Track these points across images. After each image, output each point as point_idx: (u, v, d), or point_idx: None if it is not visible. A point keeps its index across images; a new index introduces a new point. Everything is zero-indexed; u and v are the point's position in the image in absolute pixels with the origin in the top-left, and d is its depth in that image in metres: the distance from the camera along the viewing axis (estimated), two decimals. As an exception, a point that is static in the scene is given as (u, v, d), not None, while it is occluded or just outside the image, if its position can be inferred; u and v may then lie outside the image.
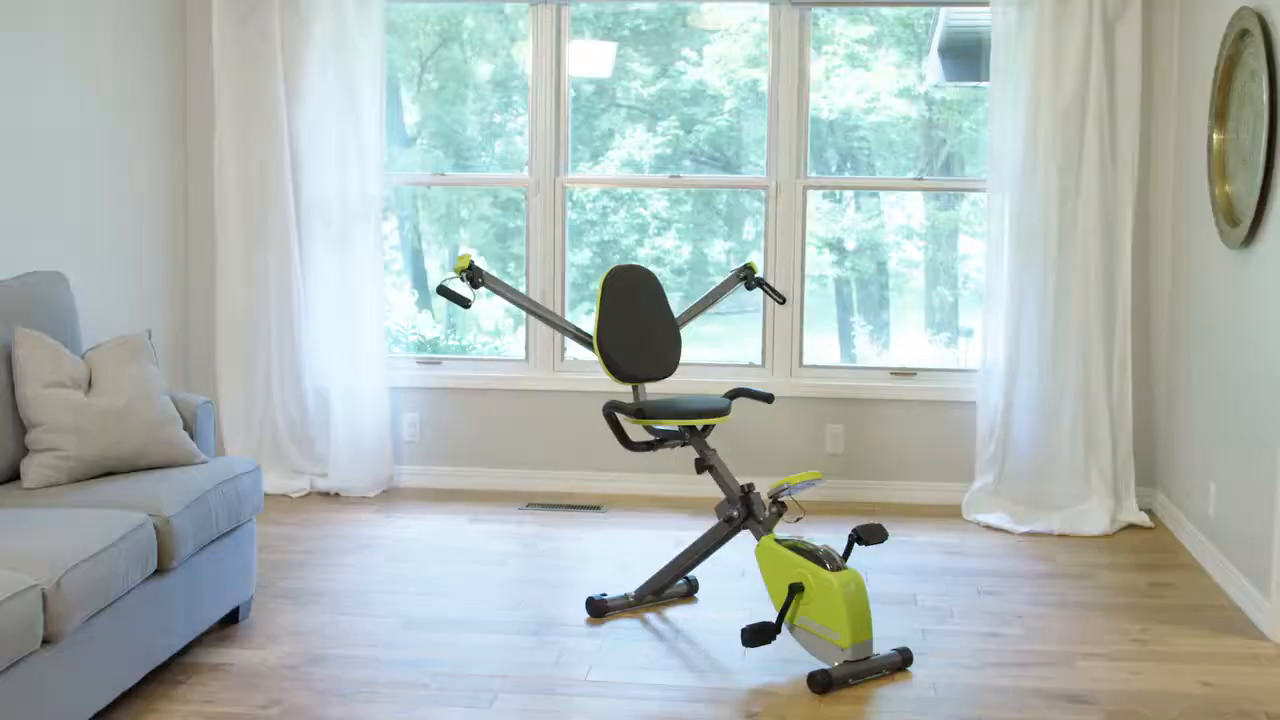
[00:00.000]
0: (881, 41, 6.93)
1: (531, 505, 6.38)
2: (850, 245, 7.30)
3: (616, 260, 7.13)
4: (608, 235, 7.13)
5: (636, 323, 4.85)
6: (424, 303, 7.54)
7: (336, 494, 6.53)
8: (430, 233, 7.31)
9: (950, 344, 7.38)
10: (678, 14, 6.93)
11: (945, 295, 7.50)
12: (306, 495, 6.53)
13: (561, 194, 6.61)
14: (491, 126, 7.15)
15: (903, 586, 5.19)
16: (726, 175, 7.05)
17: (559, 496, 6.53)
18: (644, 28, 6.96)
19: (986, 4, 6.15)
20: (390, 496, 6.54)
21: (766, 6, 6.51)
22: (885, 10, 6.76)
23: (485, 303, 7.51)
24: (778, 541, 4.39)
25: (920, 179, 6.84)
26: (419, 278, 7.50)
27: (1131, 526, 6.06)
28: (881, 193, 7.11)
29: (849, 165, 7.13)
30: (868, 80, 6.89)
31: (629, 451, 4.90)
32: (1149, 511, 6.20)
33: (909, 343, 7.48)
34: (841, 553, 4.33)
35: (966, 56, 7.23)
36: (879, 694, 4.13)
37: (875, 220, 7.24)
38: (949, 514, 6.25)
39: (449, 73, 7.13)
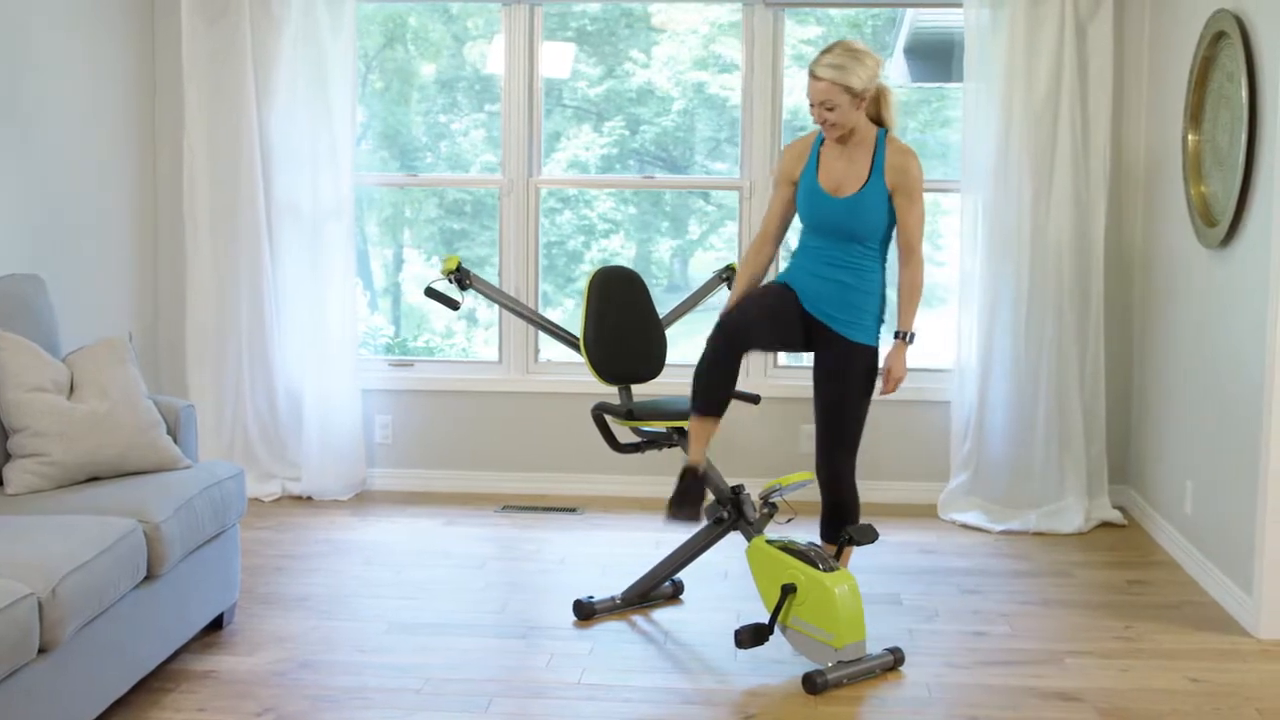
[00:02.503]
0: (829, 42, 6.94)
1: (507, 508, 6.35)
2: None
3: (564, 262, 7.12)
4: (554, 237, 7.10)
5: (623, 324, 4.84)
6: (373, 304, 7.49)
7: (309, 498, 6.47)
8: (375, 235, 7.26)
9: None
10: (623, 14, 6.91)
11: (891, 296, 7.51)
12: (278, 499, 6.47)
13: (535, 195, 6.59)
14: (437, 127, 7.11)
15: (885, 586, 5.20)
16: (700, 176, 7.06)
17: (534, 499, 6.50)
18: (589, 28, 6.95)
19: (959, 5, 6.17)
20: (363, 500, 6.50)
21: (740, 7, 6.52)
22: (833, 11, 6.77)
23: (438, 304, 7.47)
24: (769, 543, 4.39)
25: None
26: (366, 279, 7.45)
27: (1105, 524, 6.11)
28: None
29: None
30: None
31: (615, 453, 4.87)
32: (1121, 509, 6.25)
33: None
34: (833, 553, 4.34)
35: (933, 57, 7.27)
36: (873, 694, 4.14)
37: None
38: (924, 513, 6.28)
39: (393, 73, 7.07)
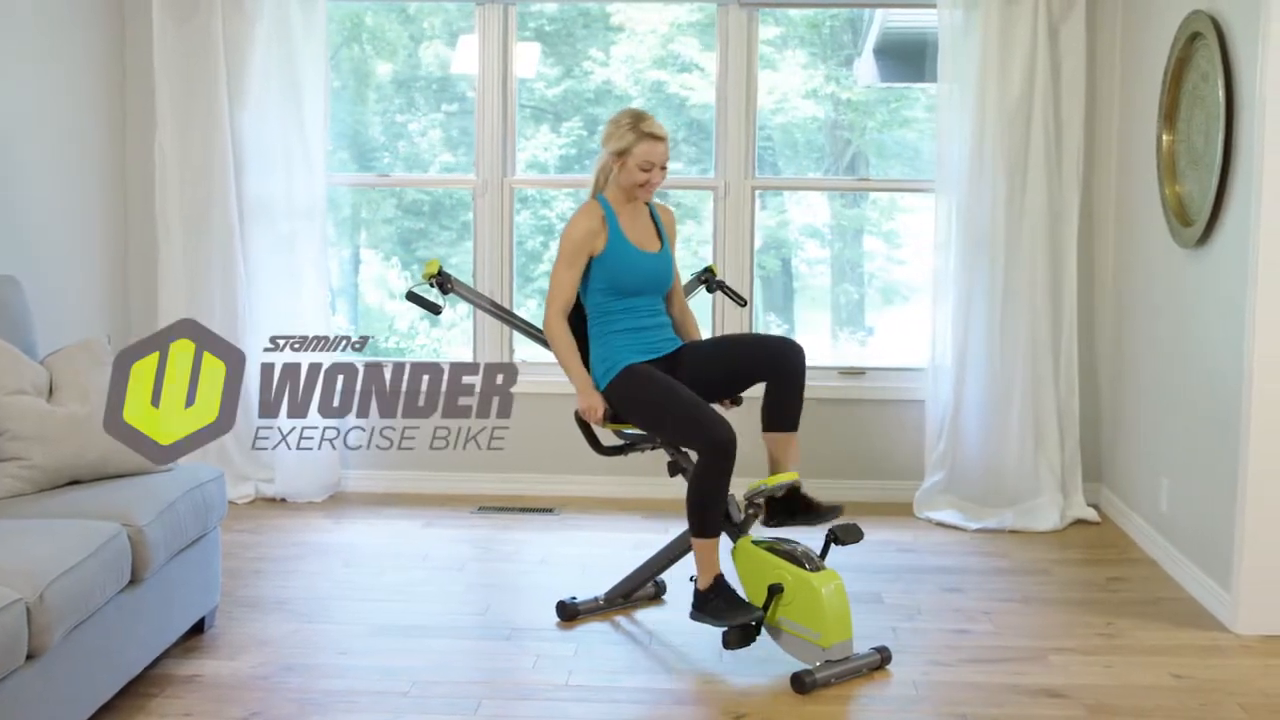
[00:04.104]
0: (788, 43, 6.97)
1: (483, 509, 6.33)
2: (756, 243, 7.33)
3: (522, 262, 7.11)
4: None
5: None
6: (331, 305, 7.42)
7: (283, 499, 6.43)
8: (330, 234, 7.22)
9: (862, 344, 7.42)
10: (581, 14, 6.90)
11: (851, 294, 7.56)
12: (252, 501, 6.42)
13: (510, 195, 6.57)
14: (394, 127, 7.08)
15: (866, 585, 5.20)
16: (672, 176, 7.03)
17: (509, 499, 6.48)
18: (548, 28, 6.93)
19: (934, 6, 6.19)
20: (338, 501, 6.46)
21: (704, 6, 6.54)
22: (792, 11, 6.78)
23: (397, 304, 7.44)
24: (755, 543, 4.39)
25: (865, 179, 6.92)
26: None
27: (1080, 522, 6.15)
28: (785, 191, 7.09)
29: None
30: (775, 81, 6.90)
31: (591, 454, 4.85)
32: (1095, 506, 6.29)
33: (815, 343, 7.51)
34: (819, 553, 4.35)
35: (902, 57, 7.29)
36: (862, 693, 4.15)
37: (779, 218, 7.24)
38: (900, 512, 6.29)
39: (350, 73, 7.02)
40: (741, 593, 4.40)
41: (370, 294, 7.59)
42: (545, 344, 4.93)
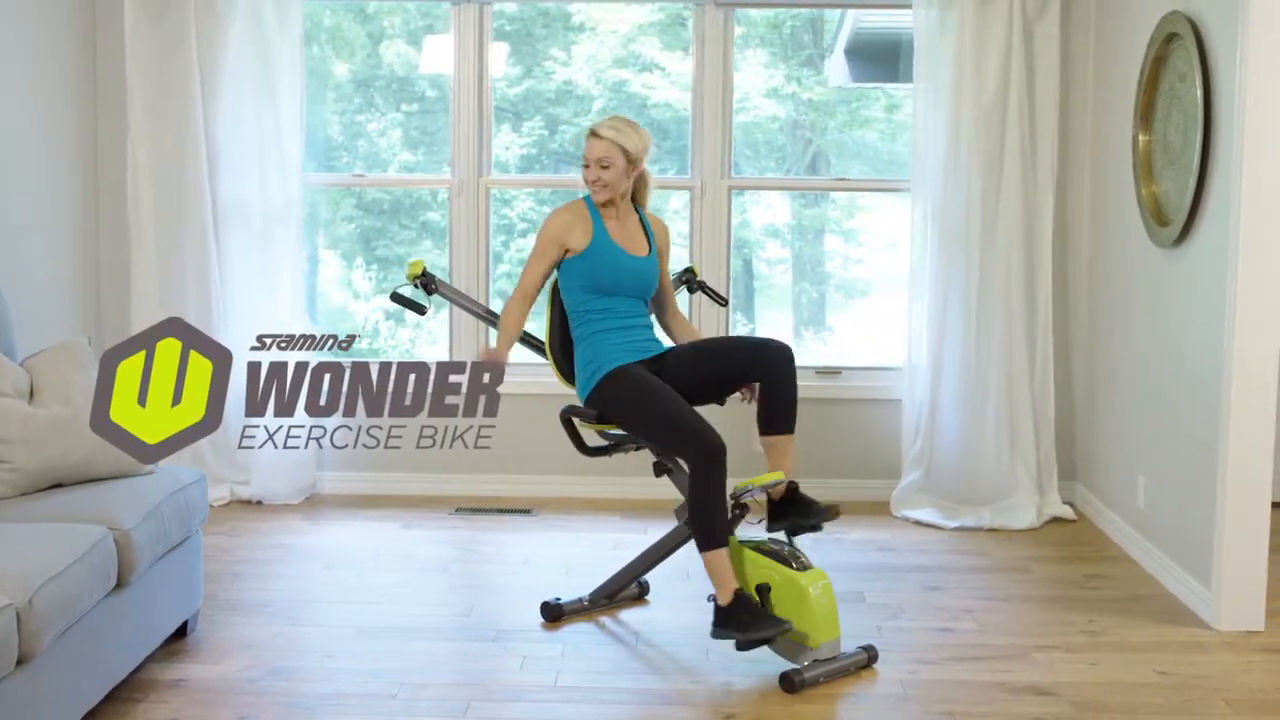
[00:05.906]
0: (749, 43, 6.98)
1: (461, 510, 6.31)
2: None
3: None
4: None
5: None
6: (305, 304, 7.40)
7: (258, 502, 6.38)
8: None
9: (825, 344, 7.44)
10: (540, 14, 6.89)
11: (811, 293, 7.58)
12: (227, 504, 6.37)
13: (486, 195, 6.55)
14: (354, 126, 7.06)
15: (847, 584, 5.20)
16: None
17: (487, 500, 6.46)
18: (508, 28, 6.92)
19: (909, 6, 6.21)
20: (314, 503, 6.42)
21: (678, 7, 6.56)
22: (753, 11, 6.78)
23: (362, 304, 7.42)
24: (741, 543, 4.40)
25: (842, 179, 6.93)
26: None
27: (1056, 520, 6.19)
28: (747, 191, 7.07)
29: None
30: (735, 80, 6.91)
31: (571, 455, 4.85)
32: (1070, 504, 6.33)
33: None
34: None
35: (875, 57, 7.32)
36: (849, 692, 4.16)
37: (740, 218, 7.25)
38: (878, 511, 6.30)
39: (309, 72, 6.99)
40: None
41: (333, 294, 7.54)
42: (530, 346, 4.93)
